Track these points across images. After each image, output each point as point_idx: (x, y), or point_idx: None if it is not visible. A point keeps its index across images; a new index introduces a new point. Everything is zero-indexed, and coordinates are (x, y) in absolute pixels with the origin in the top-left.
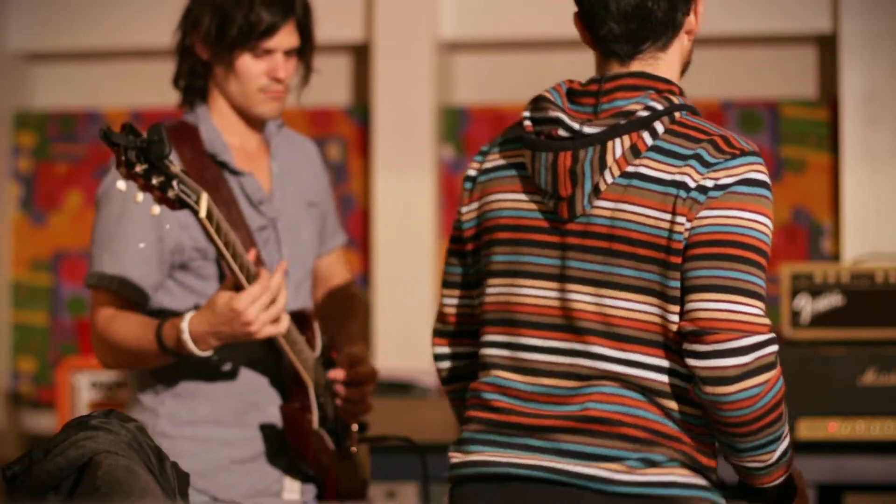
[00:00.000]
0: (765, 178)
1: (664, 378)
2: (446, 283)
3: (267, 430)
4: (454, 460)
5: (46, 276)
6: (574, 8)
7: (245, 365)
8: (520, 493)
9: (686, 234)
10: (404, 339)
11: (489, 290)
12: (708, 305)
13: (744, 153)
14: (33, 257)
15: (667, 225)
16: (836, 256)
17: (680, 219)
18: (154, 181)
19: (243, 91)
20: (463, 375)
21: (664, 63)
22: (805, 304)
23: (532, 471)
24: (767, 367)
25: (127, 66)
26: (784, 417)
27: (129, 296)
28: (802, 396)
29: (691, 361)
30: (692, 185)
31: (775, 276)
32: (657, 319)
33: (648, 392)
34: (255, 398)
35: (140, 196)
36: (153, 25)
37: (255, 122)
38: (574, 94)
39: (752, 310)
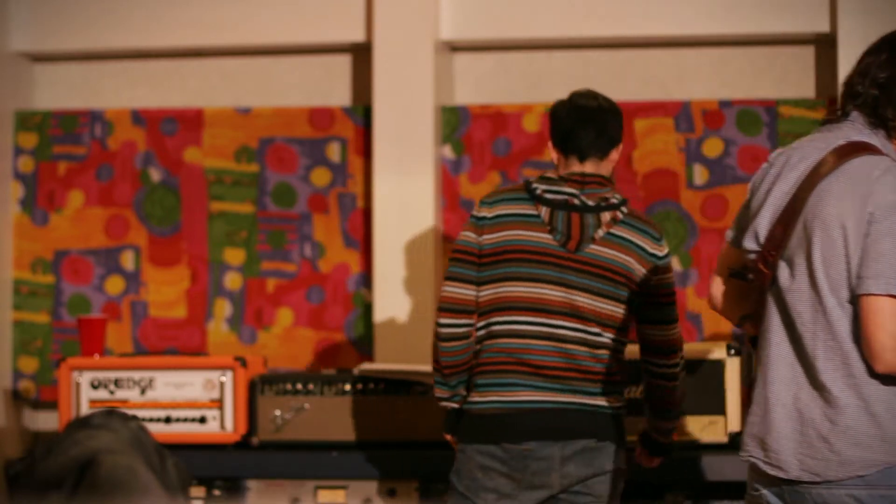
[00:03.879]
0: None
1: (618, 344)
2: (461, 279)
3: None
4: (495, 399)
5: (47, 275)
6: (574, 8)
7: None
8: (544, 415)
9: (647, 281)
10: (404, 339)
11: (510, 288)
12: (662, 333)
13: (662, 236)
14: (34, 257)
15: (634, 267)
16: None
17: (642, 269)
18: None
19: None
20: (460, 337)
21: (604, 168)
22: None
23: (551, 404)
24: (685, 368)
25: (127, 66)
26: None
27: None
28: None
29: (656, 362)
30: (650, 250)
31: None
32: (618, 314)
33: (614, 352)
34: None
35: None
36: (153, 26)
37: None
38: (564, 179)
39: (680, 330)
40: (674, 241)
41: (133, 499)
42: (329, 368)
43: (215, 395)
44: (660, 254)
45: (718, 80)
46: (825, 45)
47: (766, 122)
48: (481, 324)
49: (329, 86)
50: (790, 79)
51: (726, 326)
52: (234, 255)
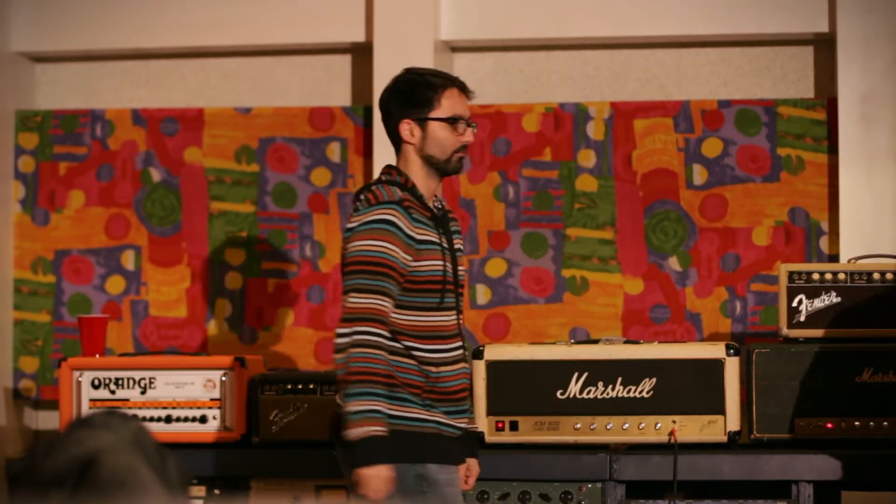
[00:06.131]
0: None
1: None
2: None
3: None
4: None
5: (48, 275)
6: (574, 8)
7: None
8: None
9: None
10: None
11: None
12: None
13: (369, 205)
14: (35, 257)
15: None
16: (833, 256)
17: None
18: None
19: None
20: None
21: (402, 151)
22: (802, 303)
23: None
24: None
25: (127, 66)
26: (359, 385)
27: None
28: (799, 394)
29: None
30: (348, 226)
31: (773, 275)
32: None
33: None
34: None
35: None
36: (153, 26)
37: None
38: None
39: (355, 301)
40: (673, 240)
41: (134, 498)
42: (329, 368)
43: (216, 394)
44: (349, 225)
45: (717, 80)
46: (824, 46)
47: (765, 122)
48: None
49: (329, 86)
50: (789, 79)
51: (726, 326)
52: (234, 255)
